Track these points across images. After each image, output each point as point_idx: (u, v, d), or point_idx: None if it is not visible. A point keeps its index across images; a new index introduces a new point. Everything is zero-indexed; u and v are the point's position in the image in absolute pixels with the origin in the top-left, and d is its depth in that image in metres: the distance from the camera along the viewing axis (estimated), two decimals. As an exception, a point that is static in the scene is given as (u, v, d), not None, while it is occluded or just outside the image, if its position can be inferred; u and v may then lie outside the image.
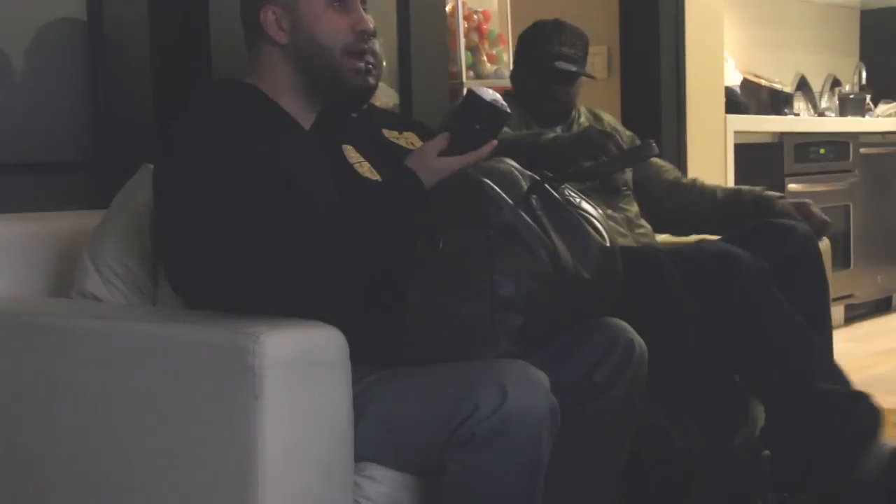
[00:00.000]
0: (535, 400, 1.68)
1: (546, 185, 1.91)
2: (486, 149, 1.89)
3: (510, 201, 1.81)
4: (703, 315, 2.36)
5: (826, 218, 2.73)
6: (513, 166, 1.91)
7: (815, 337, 2.39)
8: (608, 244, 1.94)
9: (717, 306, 2.36)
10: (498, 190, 1.81)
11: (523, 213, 1.81)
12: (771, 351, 2.35)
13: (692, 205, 2.87)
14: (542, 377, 1.72)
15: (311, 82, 1.96)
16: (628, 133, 2.94)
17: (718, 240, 2.64)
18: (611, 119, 2.99)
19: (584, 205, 1.97)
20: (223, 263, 1.75)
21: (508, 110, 1.91)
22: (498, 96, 1.91)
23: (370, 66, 2.00)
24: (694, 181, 2.94)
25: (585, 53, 2.79)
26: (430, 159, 1.88)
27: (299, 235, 1.74)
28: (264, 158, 1.81)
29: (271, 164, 1.81)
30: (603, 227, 1.96)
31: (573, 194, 1.98)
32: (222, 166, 1.77)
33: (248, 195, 1.76)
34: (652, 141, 2.18)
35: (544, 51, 2.74)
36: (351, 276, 1.82)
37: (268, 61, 1.96)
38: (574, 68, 2.74)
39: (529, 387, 1.69)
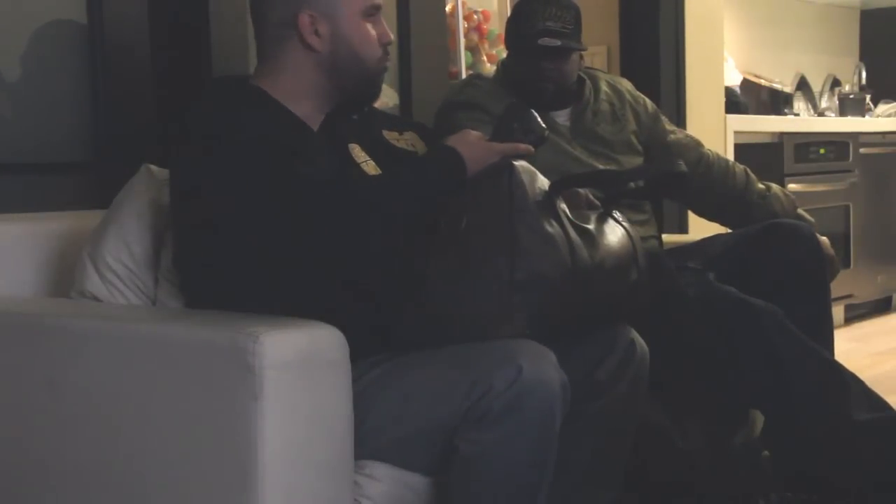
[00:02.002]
0: (547, 373, 1.70)
1: (566, 185, 1.93)
2: (523, 146, 1.93)
3: (536, 190, 1.84)
4: (703, 315, 2.35)
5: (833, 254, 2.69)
6: (535, 168, 1.94)
7: (844, 370, 2.34)
8: (630, 250, 1.96)
9: (738, 358, 2.31)
10: (522, 178, 1.83)
11: (545, 205, 1.84)
12: (800, 397, 2.29)
13: (721, 195, 2.79)
14: (550, 353, 1.74)
15: (338, 89, 1.98)
16: (650, 103, 2.81)
17: (729, 250, 2.59)
18: (630, 88, 2.81)
19: (605, 223, 1.99)
20: (273, 243, 1.78)
21: (546, 131, 1.98)
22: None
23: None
24: (726, 167, 2.81)
25: (576, 26, 2.57)
26: (472, 138, 1.93)
27: (338, 207, 1.77)
28: (290, 148, 1.84)
29: (298, 153, 1.84)
30: (627, 237, 1.98)
31: (594, 213, 2.00)
32: (247, 155, 1.79)
33: (283, 176, 1.78)
34: (680, 161, 2.12)
35: (528, 28, 2.56)
36: (382, 249, 1.84)
37: (294, 65, 1.95)
38: (559, 42, 2.52)
39: (541, 361, 1.71)
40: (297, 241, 1.77)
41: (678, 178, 2.04)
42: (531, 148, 1.94)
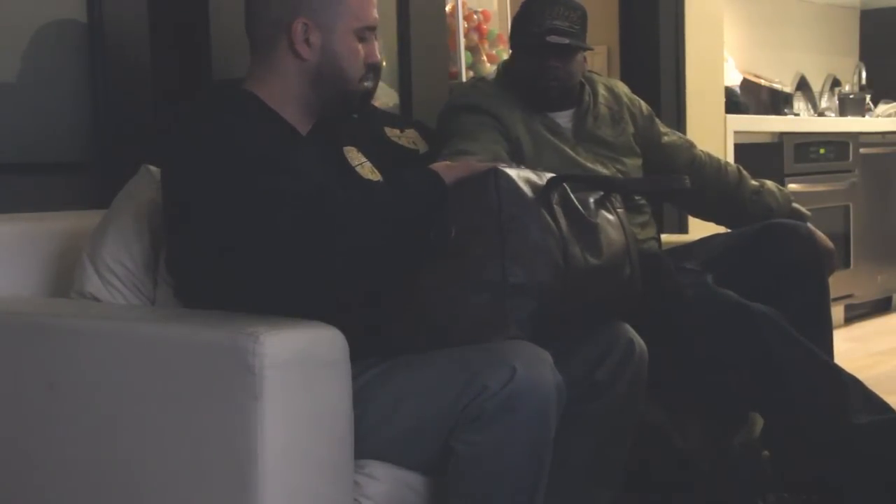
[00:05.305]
0: (542, 375, 1.71)
1: (563, 184, 1.92)
2: (497, 163, 1.92)
3: (525, 190, 1.83)
4: (701, 317, 2.35)
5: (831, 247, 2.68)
6: (532, 170, 1.94)
7: (843, 373, 2.33)
8: (623, 245, 1.96)
9: (737, 361, 2.31)
10: (514, 178, 1.83)
11: (536, 203, 1.83)
12: (798, 400, 2.29)
13: (714, 193, 2.79)
14: (547, 355, 1.74)
15: (320, 101, 1.97)
16: (645, 105, 2.82)
17: (727, 248, 2.60)
18: (627, 91, 2.82)
19: (603, 207, 1.99)
20: (264, 260, 1.77)
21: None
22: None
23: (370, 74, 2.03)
24: (718, 166, 2.82)
25: (583, 26, 2.58)
26: (447, 162, 1.94)
27: (328, 223, 1.76)
28: (278, 159, 1.82)
29: (287, 164, 1.82)
30: (620, 229, 1.97)
31: (592, 196, 2.00)
32: (243, 167, 1.78)
33: (275, 191, 1.76)
34: (685, 177, 2.14)
35: (535, 27, 2.55)
36: (372, 265, 1.82)
37: (282, 70, 1.94)
38: (567, 41, 2.52)
39: (536, 362, 1.72)
40: (279, 254, 1.76)
41: (680, 193, 2.05)
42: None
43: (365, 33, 1.96)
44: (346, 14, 1.94)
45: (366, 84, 2.00)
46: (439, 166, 1.92)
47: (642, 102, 2.82)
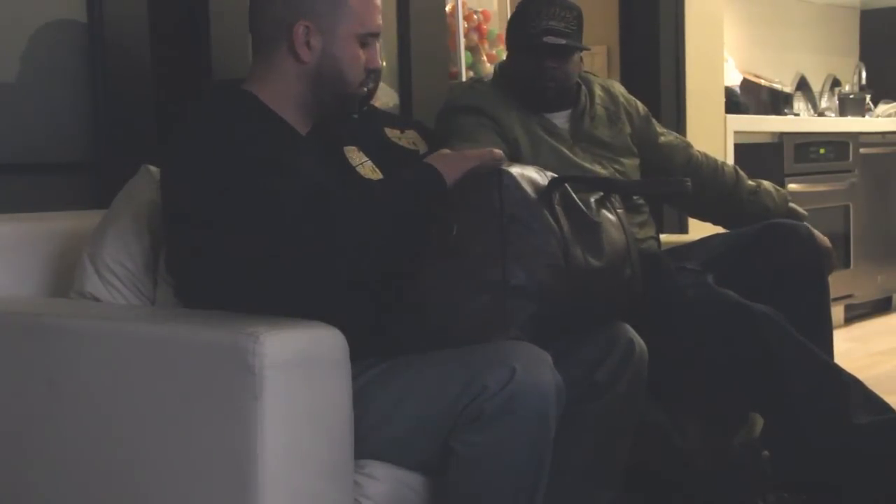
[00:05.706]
0: (541, 375, 1.70)
1: (566, 185, 1.92)
2: (497, 150, 1.92)
3: (527, 191, 1.83)
4: (701, 318, 2.35)
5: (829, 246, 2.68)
6: (535, 167, 1.94)
7: (843, 373, 2.33)
8: (624, 245, 1.96)
9: (737, 362, 2.31)
10: (517, 179, 1.83)
11: (538, 204, 1.83)
12: (798, 401, 2.28)
13: (711, 194, 2.79)
14: (546, 356, 1.74)
15: (319, 103, 1.96)
16: (641, 105, 2.82)
17: (726, 246, 2.60)
18: (623, 91, 2.82)
19: (604, 207, 1.99)
20: (264, 261, 1.76)
21: None
22: None
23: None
24: (715, 166, 2.82)
25: (579, 27, 2.58)
26: (444, 152, 1.94)
27: (326, 228, 1.75)
28: (278, 160, 1.82)
29: (286, 165, 1.82)
30: (621, 229, 1.98)
31: (593, 196, 2.00)
32: (242, 169, 1.78)
33: (275, 192, 1.76)
34: (687, 180, 2.14)
35: (532, 28, 2.55)
36: (371, 265, 1.82)
37: (281, 71, 1.94)
38: (564, 41, 2.52)
39: (535, 363, 1.72)
40: (279, 254, 1.75)
41: (678, 194, 2.06)
42: (501, 153, 1.94)
43: (367, 39, 1.96)
44: (349, 19, 1.93)
45: (365, 89, 2.00)
46: (438, 156, 1.92)
47: (639, 102, 2.83)
